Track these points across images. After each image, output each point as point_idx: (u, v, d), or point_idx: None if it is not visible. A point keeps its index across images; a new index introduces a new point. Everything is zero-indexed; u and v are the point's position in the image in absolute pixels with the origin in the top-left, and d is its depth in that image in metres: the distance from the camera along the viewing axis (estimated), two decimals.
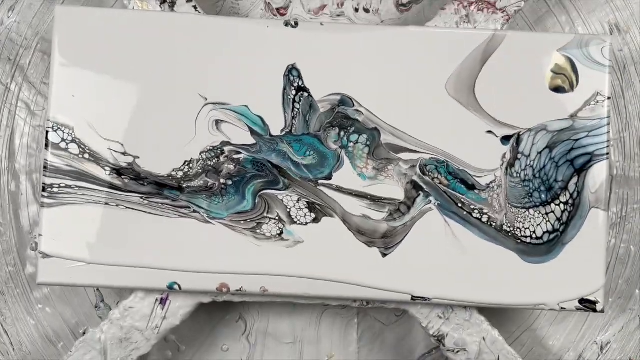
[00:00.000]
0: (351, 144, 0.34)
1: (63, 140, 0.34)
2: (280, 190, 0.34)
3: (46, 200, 0.33)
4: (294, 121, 0.34)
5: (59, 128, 0.34)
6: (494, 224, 0.34)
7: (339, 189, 0.34)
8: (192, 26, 0.34)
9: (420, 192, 0.34)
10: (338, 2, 0.40)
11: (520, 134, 0.34)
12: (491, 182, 0.34)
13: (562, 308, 0.34)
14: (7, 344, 0.41)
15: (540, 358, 0.42)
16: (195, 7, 0.36)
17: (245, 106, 0.34)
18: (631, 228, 0.42)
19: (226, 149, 0.34)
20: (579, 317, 0.42)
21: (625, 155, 0.42)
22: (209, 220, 0.34)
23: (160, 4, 0.36)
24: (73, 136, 0.34)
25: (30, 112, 0.41)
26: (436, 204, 0.34)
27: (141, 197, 0.34)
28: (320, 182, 0.34)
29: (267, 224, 0.34)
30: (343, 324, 0.43)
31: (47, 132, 0.34)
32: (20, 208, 0.41)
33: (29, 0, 0.41)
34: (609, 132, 0.34)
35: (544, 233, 0.34)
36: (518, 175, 0.34)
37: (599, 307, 0.34)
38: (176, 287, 0.34)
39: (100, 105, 0.34)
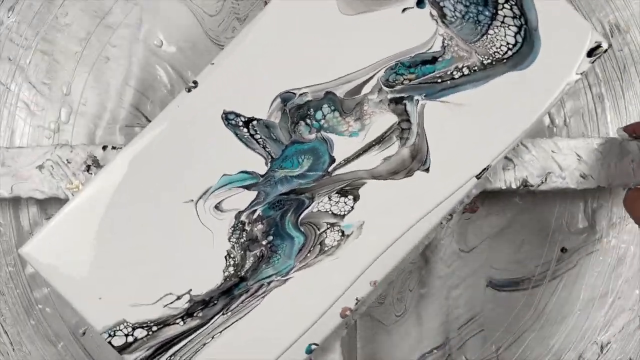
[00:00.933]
0: (322, 121, 0.34)
1: (126, 335, 0.33)
2: (310, 206, 0.34)
3: None
4: (266, 149, 0.34)
5: (113, 331, 0.33)
6: (477, 67, 0.34)
7: (348, 160, 0.34)
8: (132, 162, 0.34)
9: (404, 101, 0.34)
10: None
11: None
12: (443, 42, 0.34)
13: (581, 73, 0.34)
14: (7, 344, 0.40)
15: (540, 358, 0.42)
16: (114, 147, 0.35)
17: (224, 175, 0.34)
18: (631, 228, 0.41)
19: (242, 217, 0.34)
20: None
21: None
22: (286, 277, 0.34)
23: (87, 171, 0.35)
24: (130, 325, 0.33)
25: (30, 112, 0.40)
26: (422, 97, 0.34)
27: (223, 314, 0.34)
28: (330, 169, 0.34)
29: (327, 237, 0.34)
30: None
31: (110, 342, 0.33)
32: (20, 208, 0.41)
33: (29, 0, 0.40)
34: None
35: (515, 35, 0.34)
36: (455, 17, 0.34)
37: (604, 45, 0.34)
38: (314, 347, 0.34)
39: (126, 284, 0.33)
